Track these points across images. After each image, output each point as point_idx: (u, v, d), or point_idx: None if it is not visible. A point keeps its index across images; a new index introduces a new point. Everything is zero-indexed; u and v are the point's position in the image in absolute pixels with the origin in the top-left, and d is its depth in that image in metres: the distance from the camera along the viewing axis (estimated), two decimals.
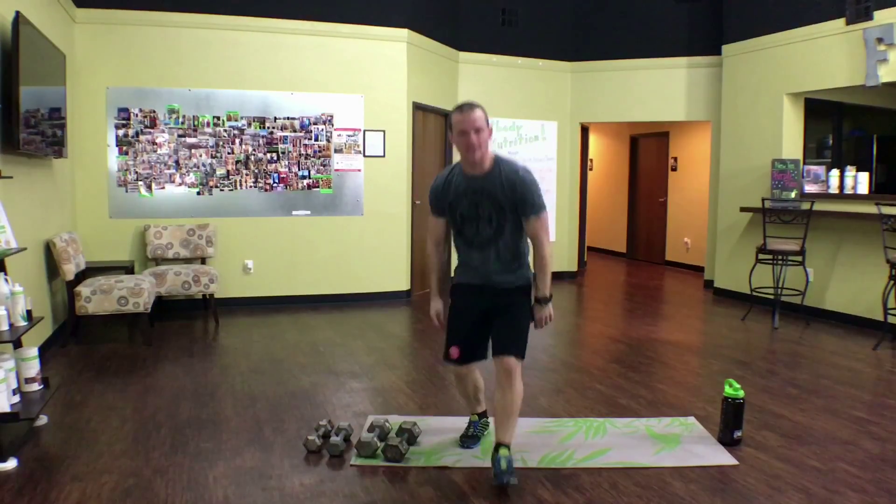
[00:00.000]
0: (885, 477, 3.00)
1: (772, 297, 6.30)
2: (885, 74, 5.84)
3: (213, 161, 6.64)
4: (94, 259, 6.16)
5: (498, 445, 2.90)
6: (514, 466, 2.93)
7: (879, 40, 5.81)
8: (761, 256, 6.27)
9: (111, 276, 5.44)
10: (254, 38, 6.68)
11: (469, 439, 3.33)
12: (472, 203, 2.96)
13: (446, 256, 3.23)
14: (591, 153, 11.36)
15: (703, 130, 9.16)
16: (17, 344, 3.53)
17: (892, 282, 5.22)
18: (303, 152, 6.91)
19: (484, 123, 2.88)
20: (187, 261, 6.46)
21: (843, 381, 4.48)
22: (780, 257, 6.13)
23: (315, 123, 6.93)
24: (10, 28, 4.15)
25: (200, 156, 6.61)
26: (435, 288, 3.28)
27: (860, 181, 6.23)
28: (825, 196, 6.36)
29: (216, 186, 6.67)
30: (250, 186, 6.77)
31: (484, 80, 8.31)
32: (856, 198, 6.10)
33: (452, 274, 3.27)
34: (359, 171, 7.10)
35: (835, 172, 6.44)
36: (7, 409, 3.11)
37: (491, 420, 3.44)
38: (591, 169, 11.63)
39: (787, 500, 2.77)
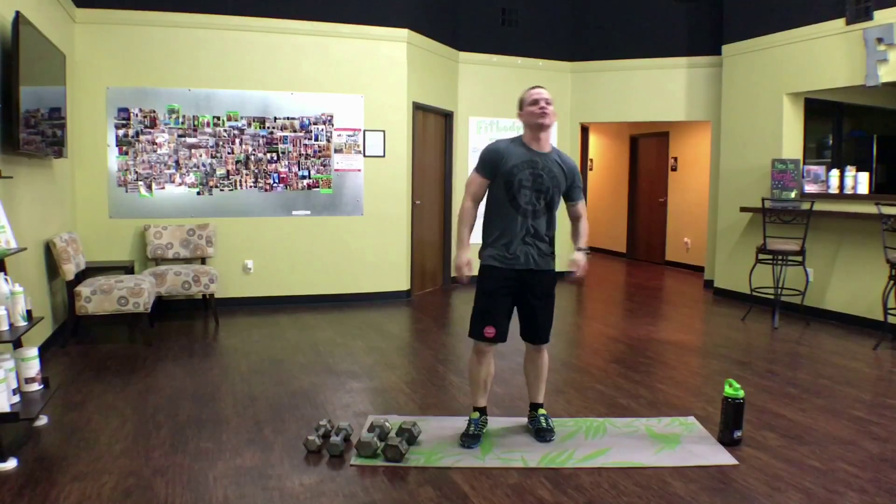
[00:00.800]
0: (885, 477, 3.00)
1: (772, 297, 6.31)
2: (885, 74, 5.84)
3: (213, 161, 6.64)
4: (94, 259, 6.15)
5: (537, 406, 3.49)
6: (514, 466, 3.00)
7: (879, 40, 5.81)
8: (761, 256, 6.27)
9: (111, 276, 5.44)
10: (254, 38, 6.68)
11: (470, 438, 3.32)
12: (533, 174, 3.20)
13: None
14: (591, 153, 11.36)
15: (703, 130, 9.16)
16: (17, 344, 3.53)
17: (892, 282, 5.22)
18: (303, 152, 6.91)
19: (552, 99, 3.24)
20: (187, 261, 6.46)
21: (843, 381, 4.48)
22: (780, 257, 6.13)
23: (315, 123, 6.93)
24: (10, 28, 4.15)
25: (200, 156, 6.61)
26: (465, 240, 3.31)
27: (860, 181, 6.23)
28: (825, 196, 6.36)
29: (216, 186, 6.67)
30: (250, 186, 6.77)
31: (484, 80, 8.31)
32: (856, 198, 6.10)
33: (484, 251, 3.33)
34: (359, 171, 7.10)
35: (835, 172, 6.44)
36: (7, 409, 3.11)
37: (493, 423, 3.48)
38: (591, 169, 11.63)
39: (787, 500, 2.77)
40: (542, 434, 3.36)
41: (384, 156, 7.14)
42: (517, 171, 3.18)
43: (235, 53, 6.64)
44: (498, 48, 8.36)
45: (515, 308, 3.38)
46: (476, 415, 3.41)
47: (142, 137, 6.43)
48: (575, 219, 3.52)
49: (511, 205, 3.21)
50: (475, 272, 3.29)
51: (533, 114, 3.20)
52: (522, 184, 3.20)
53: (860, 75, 6.03)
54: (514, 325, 3.41)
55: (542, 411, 3.48)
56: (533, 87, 3.30)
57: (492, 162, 3.23)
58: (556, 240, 3.46)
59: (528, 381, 3.53)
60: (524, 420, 3.64)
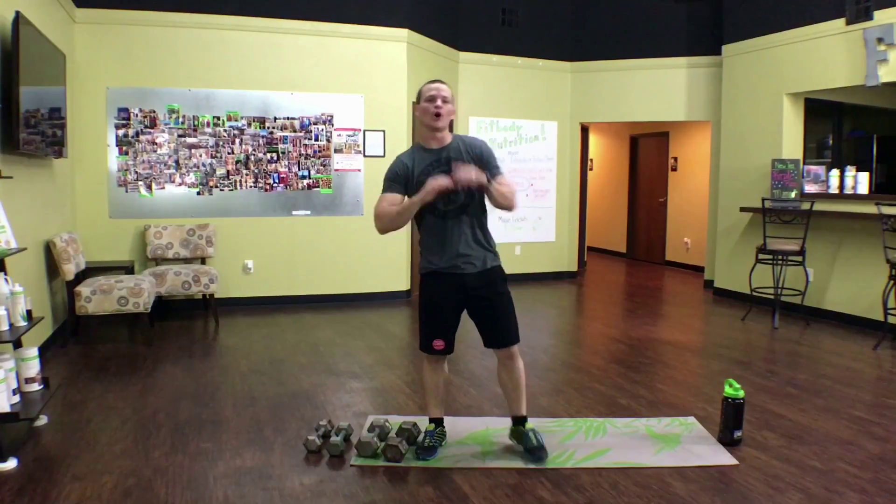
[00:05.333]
0: (885, 477, 3.00)
1: (772, 297, 6.30)
2: (885, 74, 5.84)
3: (213, 161, 6.64)
4: (94, 259, 6.15)
5: (521, 420, 3.24)
6: (514, 466, 2.99)
7: (879, 40, 5.81)
8: (761, 256, 6.27)
9: (111, 276, 5.44)
10: (254, 38, 6.68)
11: (426, 451, 3.16)
12: (441, 173, 2.95)
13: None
14: (591, 153, 11.35)
15: (703, 130, 9.16)
16: (17, 344, 3.53)
17: (892, 282, 5.22)
18: (303, 152, 6.91)
19: (450, 97, 3.02)
20: (187, 261, 6.45)
21: (843, 381, 4.48)
22: (780, 257, 6.13)
23: (315, 123, 6.93)
24: (10, 28, 4.15)
25: (200, 156, 6.61)
26: (415, 196, 2.94)
27: (860, 181, 6.23)
28: (825, 196, 6.36)
29: (216, 186, 6.67)
30: (250, 186, 6.77)
31: (484, 80, 8.31)
32: (856, 198, 6.10)
33: (421, 261, 3.19)
34: (359, 171, 7.10)
35: (835, 172, 6.44)
36: (7, 409, 3.11)
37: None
38: (591, 169, 11.63)
39: (787, 500, 2.77)
40: (535, 453, 3.11)
41: (384, 156, 7.14)
42: (424, 176, 2.97)
43: (235, 53, 6.64)
44: (498, 48, 8.36)
45: (472, 318, 3.18)
46: (431, 426, 3.27)
47: (142, 137, 6.43)
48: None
49: (433, 213, 3.05)
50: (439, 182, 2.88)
51: (427, 112, 2.99)
52: None
53: (860, 75, 6.03)
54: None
55: (529, 426, 3.22)
56: (432, 81, 3.05)
57: (399, 176, 3.04)
58: (490, 233, 3.21)
59: (505, 393, 3.27)
60: None
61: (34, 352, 3.49)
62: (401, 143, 7.19)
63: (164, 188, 6.52)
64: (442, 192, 2.88)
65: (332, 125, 6.98)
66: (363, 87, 7.07)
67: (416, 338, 5.72)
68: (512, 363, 3.17)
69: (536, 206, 8.71)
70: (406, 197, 3.04)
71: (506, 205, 3.01)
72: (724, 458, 3.19)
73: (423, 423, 3.50)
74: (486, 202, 3.09)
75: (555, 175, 8.79)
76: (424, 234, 3.15)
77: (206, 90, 6.58)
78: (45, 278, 5.07)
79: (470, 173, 2.84)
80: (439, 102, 2.97)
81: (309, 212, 6.97)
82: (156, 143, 6.48)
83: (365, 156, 7.10)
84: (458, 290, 3.10)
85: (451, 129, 3.15)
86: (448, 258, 3.06)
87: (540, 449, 3.13)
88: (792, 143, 6.95)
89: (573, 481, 2.95)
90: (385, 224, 3.03)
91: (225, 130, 6.66)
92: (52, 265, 5.15)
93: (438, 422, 3.30)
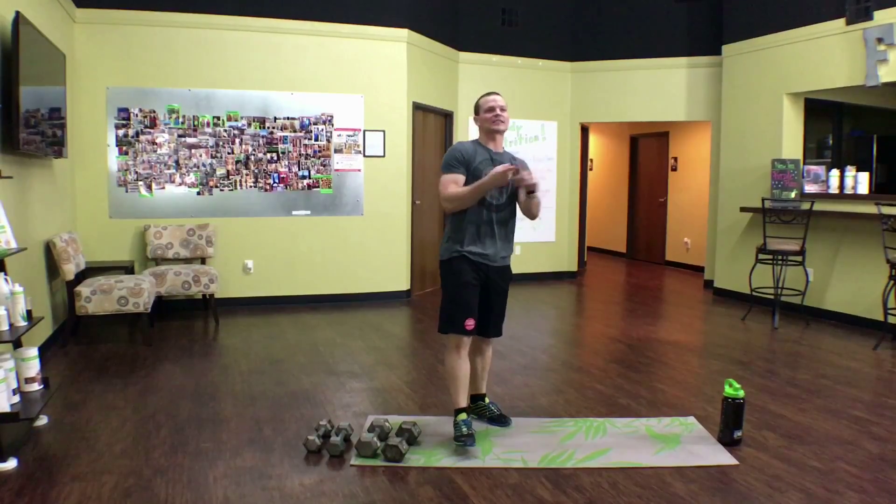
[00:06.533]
0: (885, 477, 3.00)
1: (772, 297, 6.30)
2: (885, 74, 5.84)
3: (213, 161, 6.64)
4: (94, 259, 6.15)
5: (481, 396, 3.64)
6: (514, 466, 3.05)
7: (879, 40, 5.81)
8: (761, 256, 6.27)
9: (111, 276, 5.44)
10: (254, 38, 6.68)
11: (467, 438, 3.24)
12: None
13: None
14: (591, 153, 11.36)
15: (703, 130, 9.16)
16: (17, 344, 3.52)
17: (892, 282, 5.22)
18: (303, 152, 6.91)
19: (506, 105, 3.41)
20: (187, 261, 6.45)
21: (843, 381, 4.48)
22: (780, 257, 6.13)
23: (315, 123, 6.93)
24: (10, 28, 4.15)
25: (200, 156, 6.61)
26: (481, 180, 3.21)
27: (860, 181, 6.23)
28: (825, 196, 6.36)
29: (216, 186, 6.67)
30: (250, 186, 6.77)
31: (484, 80, 8.30)
32: (856, 198, 6.10)
33: (449, 246, 3.39)
34: (359, 171, 7.10)
35: (835, 172, 6.44)
36: (7, 409, 3.11)
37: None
38: (591, 169, 11.63)
39: (787, 500, 2.77)
40: (502, 420, 3.55)
41: (384, 156, 7.14)
42: (483, 166, 3.30)
43: (235, 53, 6.64)
44: (498, 48, 8.36)
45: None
46: (464, 415, 3.31)
47: (142, 137, 6.43)
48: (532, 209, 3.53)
49: (483, 205, 3.32)
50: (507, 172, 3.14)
51: (488, 120, 3.38)
52: None
53: (860, 75, 6.03)
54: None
55: (487, 400, 3.66)
56: (489, 94, 3.44)
57: (462, 159, 3.33)
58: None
59: (474, 374, 3.57)
60: (524, 420, 3.64)
61: (34, 352, 3.49)
62: (401, 143, 7.19)
63: (164, 188, 6.52)
64: (504, 179, 3.17)
65: (332, 125, 6.98)
66: (363, 87, 7.07)
67: (417, 337, 5.76)
68: (488, 349, 3.62)
69: None
70: (465, 177, 3.31)
71: (535, 213, 3.45)
72: (724, 458, 3.19)
73: (423, 422, 3.51)
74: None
75: (555, 175, 8.79)
76: (465, 223, 3.33)
77: (206, 90, 6.58)
78: (45, 278, 5.07)
79: (532, 175, 3.26)
80: (498, 111, 3.35)
81: (309, 212, 6.97)
82: (156, 143, 6.47)
83: (365, 156, 7.10)
84: (482, 277, 3.37)
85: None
86: (486, 248, 3.34)
87: (503, 417, 3.57)
88: (792, 143, 6.96)
89: (573, 481, 2.95)
90: (456, 205, 3.31)
91: (225, 130, 6.66)
92: (52, 265, 5.15)
93: (478, 397, 3.60)
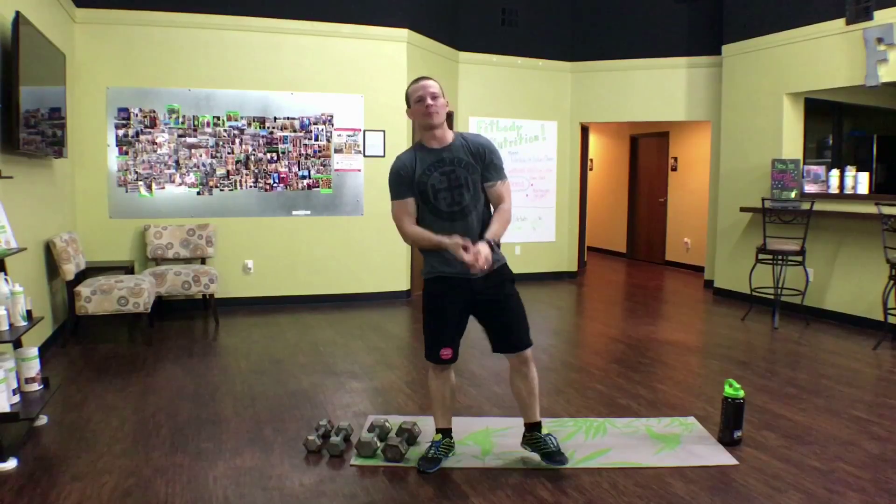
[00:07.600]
0: (885, 477, 3.00)
1: (772, 297, 6.30)
2: (885, 74, 5.84)
3: (213, 161, 6.64)
4: (94, 259, 6.15)
5: (536, 426, 3.13)
6: (515, 466, 3.00)
7: (879, 40, 5.81)
8: (761, 256, 6.27)
9: (111, 276, 5.44)
10: (254, 38, 6.68)
11: (427, 462, 3.04)
12: (443, 173, 2.91)
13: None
14: (591, 153, 11.35)
15: (703, 130, 9.16)
16: (17, 344, 3.52)
17: (892, 282, 5.22)
18: (303, 152, 6.91)
19: (439, 91, 2.91)
20: (187, 261, 6.45)
21: (843, 381, 4.48)
22: (780, 257, 6.13)
23: (315, 123, 6.93)
24: (10, 28, 4.15)
25: (200, 156, 6.61)
26: (433, 237, 2.90)
27: (860, 181, 6.23)
28: (825, 196, 6.36)
29: (216, 186, 6.67)
30: (250, 186, 6.77)
31: (484, 80, 8.31)
32: (856, 198, 6.10)
33: (424, 266, 3.06)
34: (359, 171, 7.10)
35: (835, 172, 6.43)
36: (7, 409, 3.11)
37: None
38: (591, 169, 11.62)
39: (787, 500, 2.77)
40: (554, 458, 3.03)
41: (384, 156, 7.14)
42: (426, 177, 2.90)
43: (235, 53, 6.64)
44: (498, 48, 8.36)
45: (481, 324, 3.09)
46: (438, 437, 3.13)
47: (142, 137, 6.43)
48: (496, 202, 3.01)
49: (435, 214, 2.92)
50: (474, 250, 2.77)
51: (418, 113, 2.90)
52: (436, 188, 2.90)
53: (860, 75, 6.03)
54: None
55: (546, 430, 3.13)
56: (418, 80, 2.94)
57: (403, 179, 2.93)
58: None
59: (519, 400, 3.14)
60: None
61: (34, 352, 3.49)
62: (401, 143, 7.19)
63: (164, 188, 6.52)
64: (463, 261, 2.76)
65: (332, 125, 6.98)
66: (363, 87, 7.07)
67: (417, 337, 5.76)
68: (526, 368, 3.05)
69: (536, 205, 8.71)
70: (414, 199, 2.96)
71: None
72: (724, 458, 3.19)
73: (423, 422, 3.50)
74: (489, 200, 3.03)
75: (555, 175, 8.79)
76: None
77: (206, 90, 6.58)
78: (45, 278, 5.07)
79: (485, 262, 2.74)
80: (429, 101, 2.86)
81: (309, 212, 6.97)
82: (156, 143, 6.47)
83: (365, 156, 7.10)
84: (465, 294, 2.96)
85: (451, 127, 3.10)
86: (456, 263, 2.83)
87: (559, 454, 3.05)
88: (792, 143, 6.95)
89: (573, 481, 2.95)
90: (411, 244, 3.07)
91: (225, 130, 6.66)
92: (52, 265, 5.15)
93: (445, 432, 3.15)
